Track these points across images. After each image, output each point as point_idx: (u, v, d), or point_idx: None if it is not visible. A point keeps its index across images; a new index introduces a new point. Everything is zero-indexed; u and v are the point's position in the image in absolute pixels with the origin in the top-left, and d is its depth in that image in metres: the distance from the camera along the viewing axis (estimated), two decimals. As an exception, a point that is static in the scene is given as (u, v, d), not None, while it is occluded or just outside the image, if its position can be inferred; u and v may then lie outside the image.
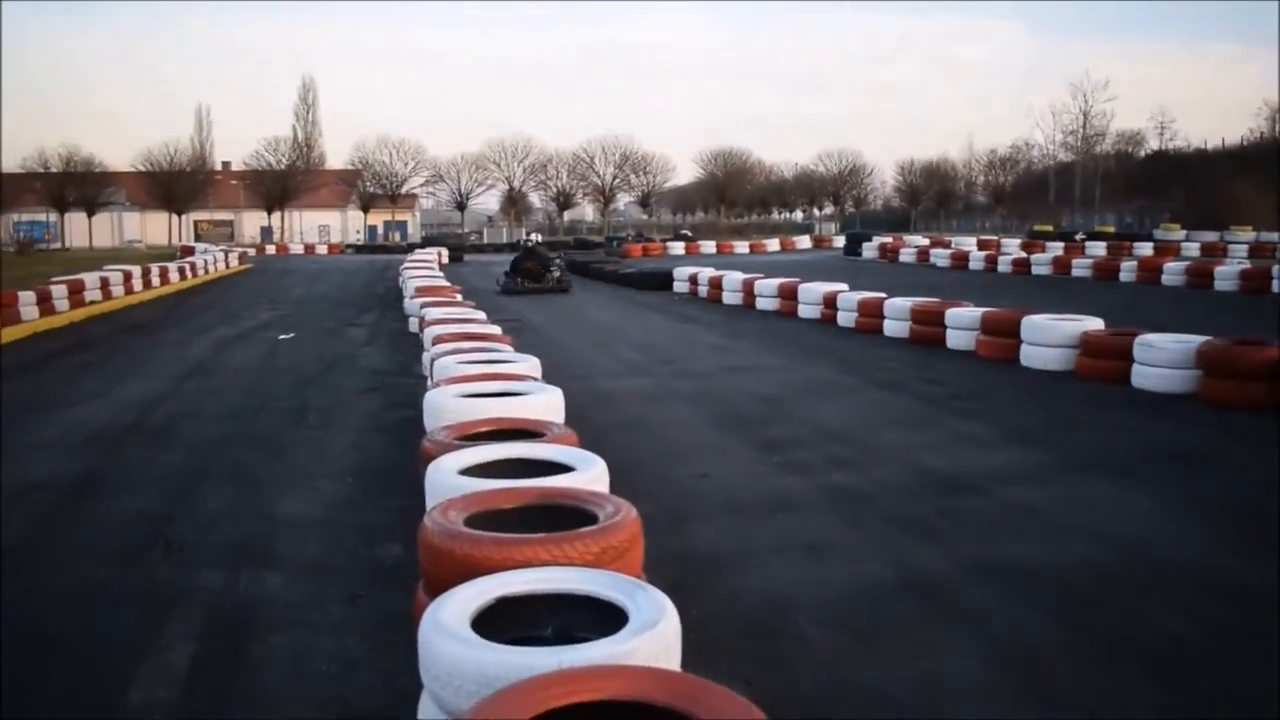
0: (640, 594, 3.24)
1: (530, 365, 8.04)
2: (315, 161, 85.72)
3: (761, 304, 20.24)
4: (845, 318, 16.98)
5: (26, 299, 17.72)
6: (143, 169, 74.20)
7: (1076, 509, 6.44)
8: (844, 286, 18.54)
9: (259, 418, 9.73)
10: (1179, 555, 5.59)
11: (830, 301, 17.74)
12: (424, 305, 13.93)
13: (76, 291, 20.41)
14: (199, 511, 6.57)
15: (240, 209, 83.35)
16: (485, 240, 77.98)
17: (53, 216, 72.87)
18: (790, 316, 18.91)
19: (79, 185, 70.59)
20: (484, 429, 5.84)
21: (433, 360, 8.43)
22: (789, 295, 19.39)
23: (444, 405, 6.26)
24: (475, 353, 8.47)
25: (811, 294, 18.51)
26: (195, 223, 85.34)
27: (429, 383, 8.50)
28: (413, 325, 15.59)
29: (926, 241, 40.76)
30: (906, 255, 37.99)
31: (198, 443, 8.64)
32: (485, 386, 6.84)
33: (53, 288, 19.32)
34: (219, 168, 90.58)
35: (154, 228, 78.88)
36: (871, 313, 16.19)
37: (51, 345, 15.73)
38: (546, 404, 6.50)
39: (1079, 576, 5.23)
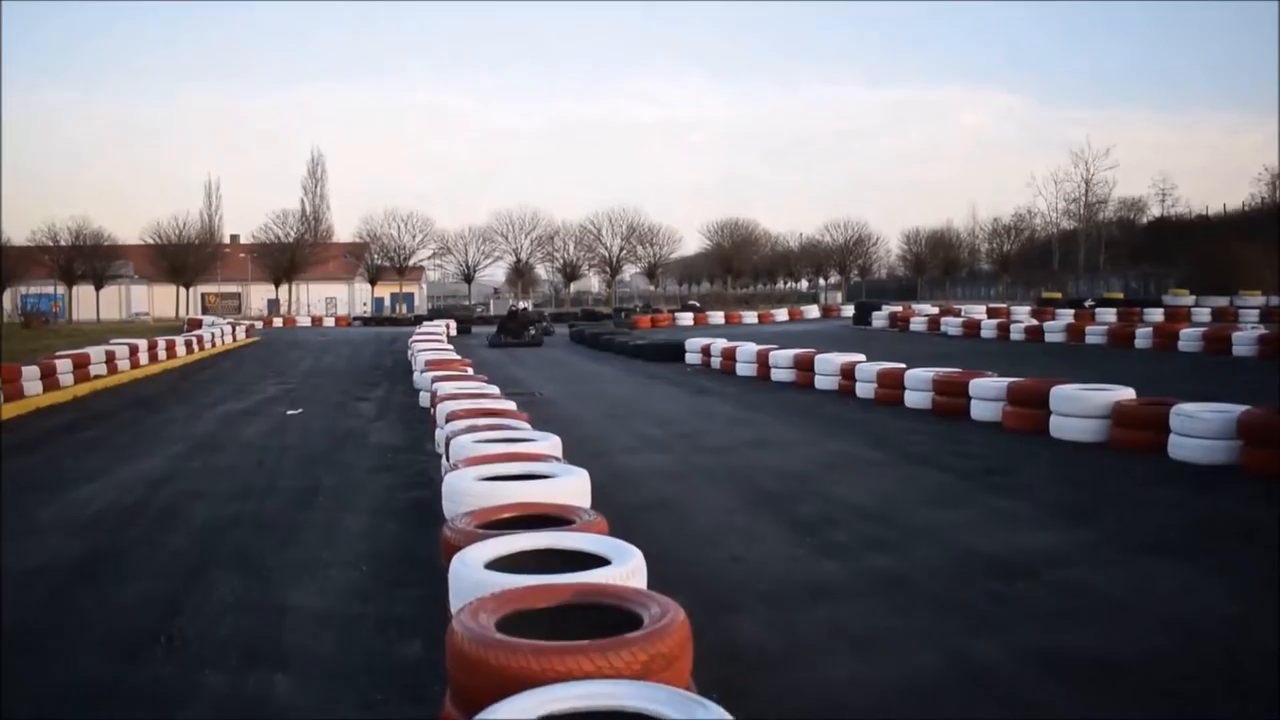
0: (699, 711, 2.92)
1: (551, 444, 7.68)
2: (323, 234, 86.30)
3: (777, 375, 19.92)
4: (864, 389, 16.64)
5: (30, 374, 17.45)
6: (151, 242, 74.60)
7: (1139, 592, 6.03)
8: (861, 357, 18.23)
9: (267, 498, 9.36)
10: (1260, 642, 5.17)
11: (848, 372, 17.42)
12: (435, 379, 13.67)
13: (81, 365, 20.14)
14: (204, 602, 6.18)
15: (248, 281, 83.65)
16: (492, 311, 78.14)
17: (61, 289, 73.05)
18: (807, 388, 18.57)
19: (88, 258, 70.91)
20: (508, 515, 5.54)
21: (448, 439, 8.09)
22: (805, 366, 19.07)
23: (464, 490, 5.93)
24: (492, 430, 8.14)
25: (828, 365, 18.19)
26: (203, 295, 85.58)
27: (444, 462, 8.18)
28: (423, 400, 15.30)
29: (936, 310, 40.55)
30: (917, 324, 37.72)
31: (204, 525, 8.27)
32: (506, 468, 6.49)
33: (57, 362, 19.00)
34: (227, 241, 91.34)
35: (162, 300, 79.03)
36: (892, 384, 15.84)
37: (54, 421, 15.42)
38: (572, 487, 6.18)
39: (1157, 667, 4.82)
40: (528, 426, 8.81)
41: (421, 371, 16.82)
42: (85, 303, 72.54)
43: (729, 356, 22.38)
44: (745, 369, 21.36)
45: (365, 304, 77.76)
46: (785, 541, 7.45)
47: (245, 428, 14.37)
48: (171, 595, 6.33)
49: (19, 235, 75.26)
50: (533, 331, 33.42)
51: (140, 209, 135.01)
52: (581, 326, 38.74)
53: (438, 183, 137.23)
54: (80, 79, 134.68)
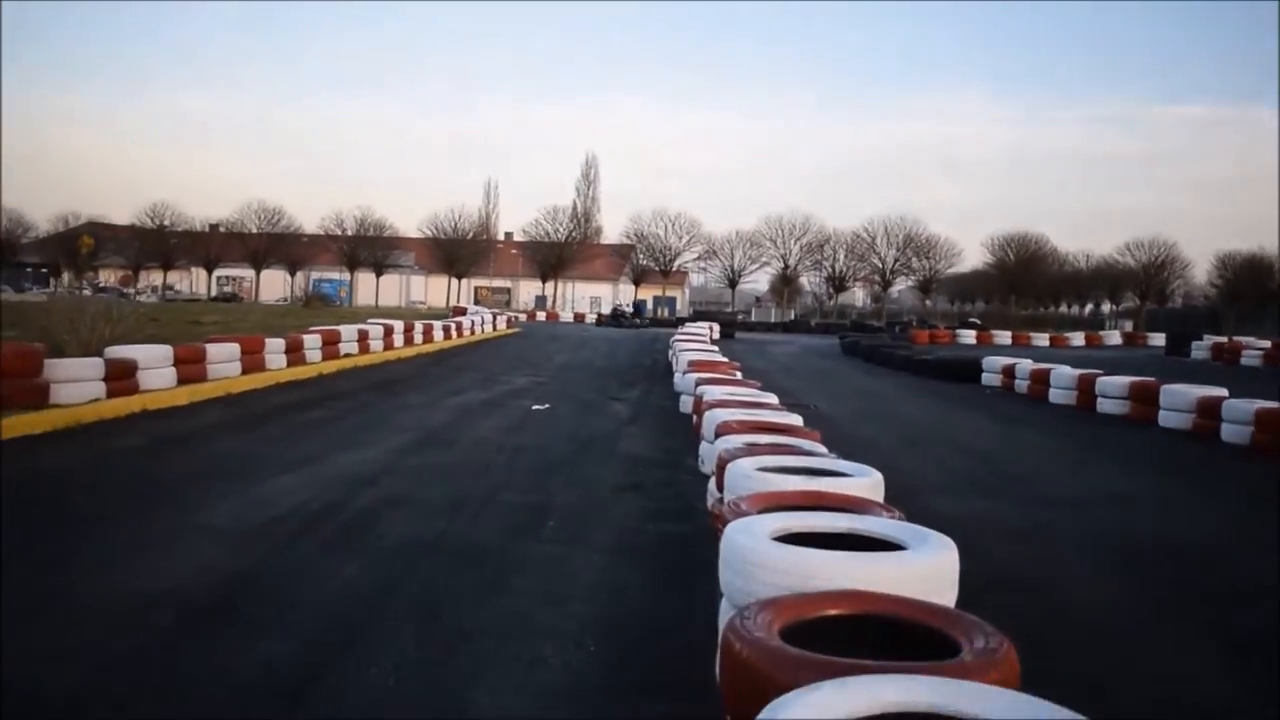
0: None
1: (870, 484, 5.42)
2: (591, 234, 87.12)
3: (1105, 406, 16.50)
4: (1235, 432, 13.09)
5: (274, 346, 16.82)
6: (430, 234, 77.46)
7: None
8: (1223, 391, 14.59)
9: (483, 515, 7.50)
10: None
11: (1209, 410, 13.86)
12: (699, 382, 12.14)
13: (331, 342, 19.53)
14: (349, 683, 4.09)
15: (518, 277, 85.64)
16: (754, 318, 76.25)
17: (346, 275, 77.09)
18: (1143, 424, 15.21)
19: (370, 247, 74.34)
20: (834, 610, 3.40)
21: (723, 461, 5.90)
22: (1145, 399, 15.64)
23: (757, 557, 3.83)
24: (777, 453, 6.12)
25: (1181, 399, 14.66)
26: (475, 288, 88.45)
27: (712, 489, 6.24)
28: (684, 404, 13.84)
29: (1269, 344, 34.83)
30: (1250, 358, 32.36)
31: (395, 547, 6.44)
32: (813, 520, 4.33)
33: (305, 337, 18.43)
34: (501, 238, 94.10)
35: (437, 291, 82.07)
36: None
37: (288, 397, 14.67)
38: (930, 566, 3.83)
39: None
40: (824, 450, 6.69)
41: (684, 373, 15.21)
42: (367, 289, 76.20)
43: (1039, 380, 19.09)
44: (1061, 396, 18.05)
45: (624, 304, 77.32)
46: (1245, 678, 4.60)
47: (483, 421, 13.07)
48: (305, 667, 4.28)
49: (310, 223, 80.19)
50: (638, 321, 50.83)
51: (420, 204, 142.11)
52: (855, 338, 36.04)
53: (707, 188, 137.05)
54: (374, 86, 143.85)
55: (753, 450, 6.32)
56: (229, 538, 6.47)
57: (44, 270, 72.83)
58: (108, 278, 72.89)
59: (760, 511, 4.67)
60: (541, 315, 60.44)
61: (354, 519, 7.18)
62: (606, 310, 64.58)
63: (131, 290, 65.35)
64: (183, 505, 7.32)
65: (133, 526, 6.68)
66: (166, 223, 78.21)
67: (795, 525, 4.21)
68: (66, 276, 59.53)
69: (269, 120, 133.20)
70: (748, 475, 5.38)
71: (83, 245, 59.20)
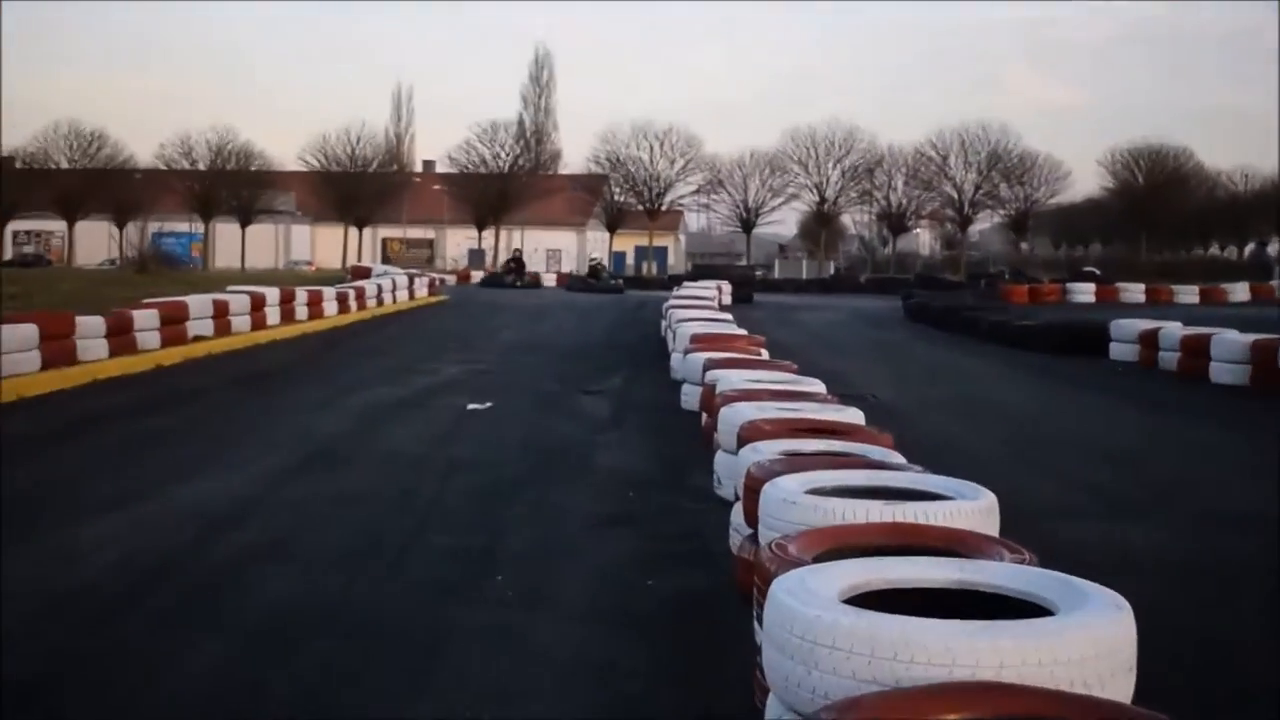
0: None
1: (976, 509, 5.27)
2: (547, 161, 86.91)
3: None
4: None
5: (91, 328, 16.58)
6: (316, 166, 76.97)
7: None
8: None
9: (399, 568, 7.32)
10: None
11: None
12: (709, 365, 12.30)
13: (175, 320, 19.34)
14: None
15: (444, 224, 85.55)
16: (778, 274, 76.28)
17: (199, 226, 76.64)
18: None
19: (232, 185, 73.89)
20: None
21: (756, 483, 5.82)
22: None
23: (829, 637, 3.79)
24: (832, 465, 6.12)
25: None
26: (383, 240, 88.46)
27: (748, 540, 6.19)
28: (688, 397, 13.90)
29: None
30: None
31: (264, 623, 6.19)
32: (899, 569, 4.18)
33: (137, 313, 18.19)
34: (419, 169, 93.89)
35: (328, 245, 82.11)
36: None
37: (110, 400, 14.58)
38: (1093, 645, 3.52)
39: None
40: (900, 459, 6.75)
41: (686, 353, 15.26)
42: (229, 244, 75.83)
43: (1194, 350, 18.96)
44: (1227, 373, 17.92)
45: (596, 257, 77.22)
46: None
47: (397, 428, 13.09)
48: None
49: (144, 153, 79.56)
50: (612, 282, 53.13)
51: (303, 124, 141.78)
52: (923, 297, 35.92)
53: (707, 95, 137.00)
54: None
55: (795, 463, 6.18)
56: (12, 613, 6.10)
57: None
58: None
59: (817, 557, 4.55)
60: (479, 276, 60.22)
61: (205, 580, 6.95)
62: (575, 266, 65.06)
63: None
64: None
65: None
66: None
67: (874, 579, 4.05)
68: None
69: (80, 6, 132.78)
70: (793, 501, 5.29)
71: None
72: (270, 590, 6.70)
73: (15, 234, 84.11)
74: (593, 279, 53.99)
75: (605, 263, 61.05)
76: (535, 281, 56.58)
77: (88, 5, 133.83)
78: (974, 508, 5.20)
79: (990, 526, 5.14)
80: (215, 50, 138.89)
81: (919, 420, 14.04)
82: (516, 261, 58.42)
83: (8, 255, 78.89)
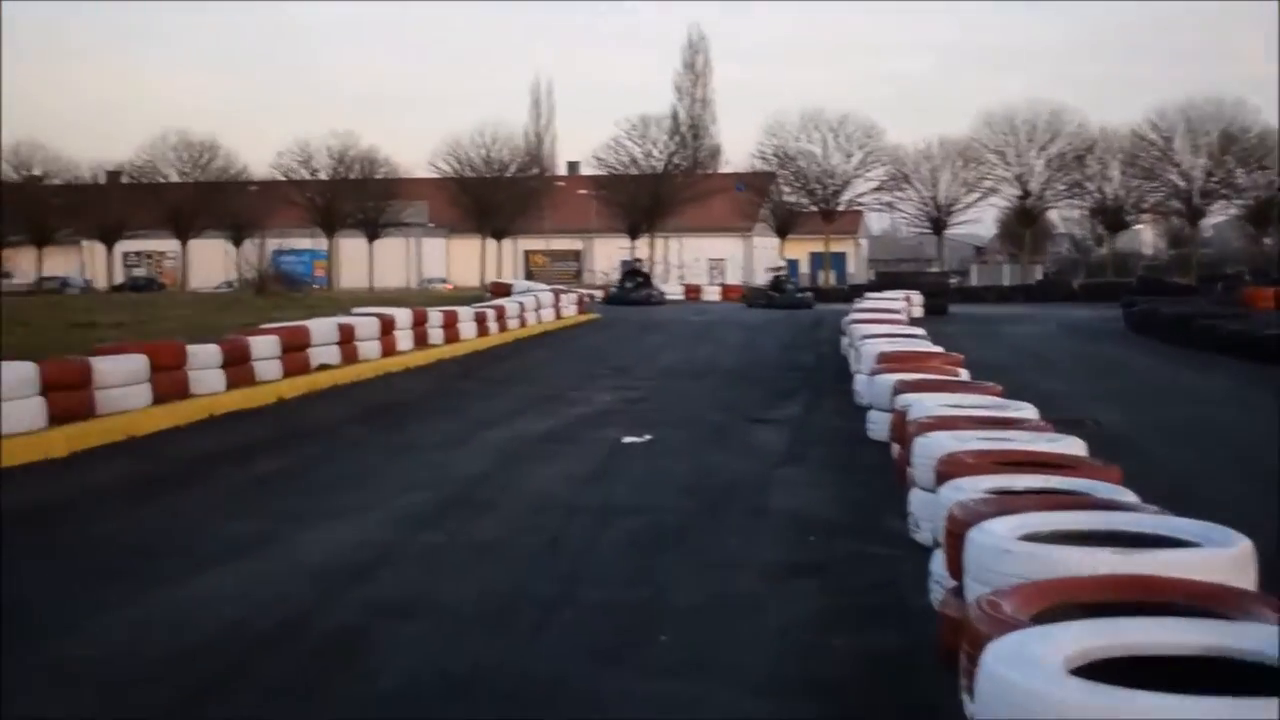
0: None
1: (1228, 559, 5.19)
2: (705, 159, 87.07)
3: None
4: None
5: (205, 357, 16.93)
6: (449, 172, 77.98)
7: None
8: None
9: (548, 628, 7.36)
10: None
11: None
12: (900, 389, 12.38)
13: (297, 347, 19.67)
14: None
15: (591, 234, 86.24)
16: (976, 281, 75.46)
17: (321, 242, 78.34)
18: None
19: (358, 195, 75.39)
20: None
21: (959, 527, 5.77)
22: None
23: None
24: (1051, 506, 6.01)
25: None
26: (526, 253, 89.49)
27: (952, 593, 6.04)
28: (875, 426, 14.12)
29: None
30: None
31: (397, 690, 6.25)
32: (1141, 632, 4.08)
33: (255, 341, 18.55)
34: (563, 172, 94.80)
35: (465, 260, 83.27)
36: None
37: (225, 438, 14.94)
38: None
39: None
40: (1132, 498, 6.57)
41: (871, 374, 15.32)
42: (355, 261, 77.36)
43: None
44: None
45: (777, 268, 77.00)
46: None
47: (543, 466, 13.22)
48: None
49: (259, 164, 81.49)
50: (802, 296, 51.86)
51: (434, 128, 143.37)
52: (1149, 304, 35.17)
53: (887, 81, 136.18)
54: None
55: (1006, 503, 6.15)
56: (105, 685, 6.32)
57: None
58: None
59: (1036, 617, 4.44)
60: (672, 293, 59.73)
61: (327, 642, 7.08)
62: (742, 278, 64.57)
63: None
64: (33, 629, 7.21)
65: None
66: (37, 172, 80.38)
67: (1108, 644, 3.92)
68: None
69: (188, 11, 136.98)
70: (1005, 549, 5.24)
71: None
72: (401, 653, 6.79)
73: (126, 255, 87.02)
74: (775, 292, 52.34)
75: (788, 272, 59.59)
76: (652, 298, 55.63)
77: (193, 7, 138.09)
78: (1226, 557, 5.11)
79: (1246, 579, 5.00)
80: (332, 50, 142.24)
81: (1149, 449, 13.90)
82: (635, 272, 58.02)
83: (118, 279, 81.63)
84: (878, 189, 77.98)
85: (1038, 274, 76.96)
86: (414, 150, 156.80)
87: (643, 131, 79.60)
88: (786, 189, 77.36)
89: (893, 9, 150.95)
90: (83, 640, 6.96)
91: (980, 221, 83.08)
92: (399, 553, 9.16)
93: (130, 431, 14.36)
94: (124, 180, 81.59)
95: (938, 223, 75.69)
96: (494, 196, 76.06)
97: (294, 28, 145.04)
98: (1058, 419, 12.67)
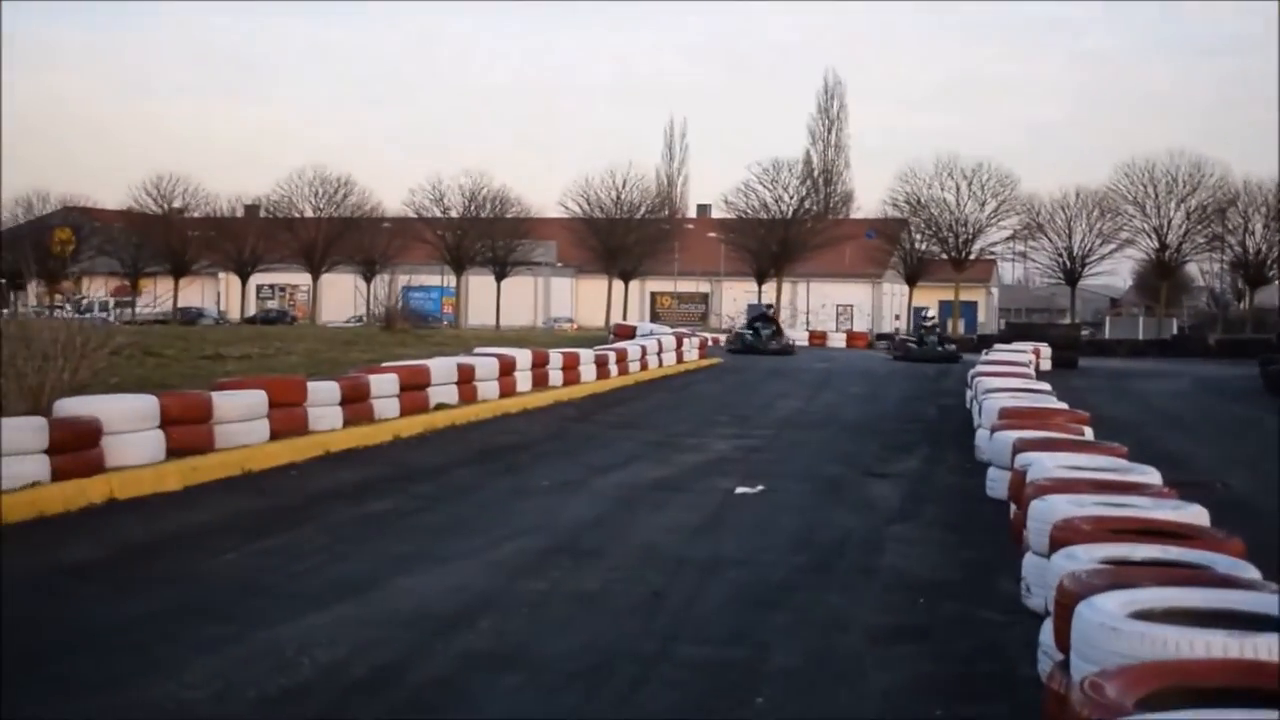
0: None
1: None
2: (836, 204, 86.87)
3: None
4: None
5: (325, 394, 17.01)
6: (578, 212, 78.39)
7: None
8: None
9: (645, 685, 7.29)
10: None
11: None
12: (1020, 447, 12.18)
13: (416, 386, 19.66)
14: None
15: (720, 276, 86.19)
16: (1109, 334, 74.29)
17: (450, 279, 79.05)
18: None
19: (487, 234, 76.03)
20: None
21: (1069, 599, 5.67)
22: None
23: None
24: (1167, 581, 5.88)
25: None
26: (652, 295, 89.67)
27: (1059, 667, 6.06)
28: (994, 484, 13.86)
29: None
30: None
31: None
32: None
33: (374, 379, 18.56)
34: (692, 214, 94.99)
35: (592, 299, 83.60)
36: None
37: (340, 477, 14.94)
38: None
39: None
40: (1253, 572, 6.41)
41: (993, 430, 14.99)
42: (483, 299, 77.99)
43: None
44: None
45: (899, 317, 76.24)
46: None
47: (652, 515, 13.11)
48: None
49: (393, 201, 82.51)
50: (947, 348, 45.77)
51: (566, 168, 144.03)
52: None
53: (1024, 128, 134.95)
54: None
55: (1119, 575, 6.00)
56: None
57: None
58: (92, 287, 76.83)
59: (1142, 702, 4.32)
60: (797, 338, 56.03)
61: (420, 692, 7.01)
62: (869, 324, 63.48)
63: (118, 307, 68.36)
64: (127, 669, 7.25)
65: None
66: (177, 205, 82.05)
67: None
68: (33, 288, 62.93)
69: (322, 47, 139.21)
70: (1113, 627, 5.09)
71: (56, 242, 62.65)
72: (494, 707, 6.76)
73: (259, 288, 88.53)
74: (915, 344, 47.40)
75: (935, 320, 54.60)
76: (784, 346, 48.79)
77: (328, 42, 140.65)
78: None
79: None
80: (470, 89, 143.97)
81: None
82: (764, 318, 51.08)
83: (250, 311, 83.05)
84: (1011, 238, 77.23)
85: (1173, 328, 75.60)
86: (544, 189, 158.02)
87: (774, 176, 79.08)
88: (918, 236, 76.67)
89: (1035, 47, 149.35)
90: (184, 682, 6.95)
91: (1115, 273, 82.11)
92: (501, 601, 9.08)
93: (246, 467, 14.43)
94: (261, 214, 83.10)
95: (1070, 273, 74.41)
96: (622, 238, 76.15)
97: (422, 61, 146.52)
98: (1183, 481, 12.38)
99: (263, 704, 6.65)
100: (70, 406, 12.85)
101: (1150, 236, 73.16)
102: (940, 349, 45.94)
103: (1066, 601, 5.61)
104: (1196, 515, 8.01)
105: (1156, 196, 72.34)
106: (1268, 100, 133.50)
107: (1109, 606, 5.18)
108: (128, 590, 9.16)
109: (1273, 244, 72.47)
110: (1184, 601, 5.43)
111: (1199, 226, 72.76)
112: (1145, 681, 4.40)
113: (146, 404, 13.70)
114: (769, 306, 49.80)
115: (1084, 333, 64.70)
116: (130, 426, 13.22)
